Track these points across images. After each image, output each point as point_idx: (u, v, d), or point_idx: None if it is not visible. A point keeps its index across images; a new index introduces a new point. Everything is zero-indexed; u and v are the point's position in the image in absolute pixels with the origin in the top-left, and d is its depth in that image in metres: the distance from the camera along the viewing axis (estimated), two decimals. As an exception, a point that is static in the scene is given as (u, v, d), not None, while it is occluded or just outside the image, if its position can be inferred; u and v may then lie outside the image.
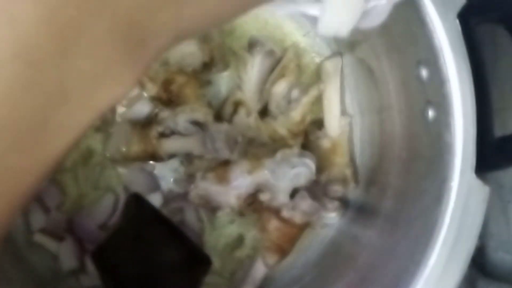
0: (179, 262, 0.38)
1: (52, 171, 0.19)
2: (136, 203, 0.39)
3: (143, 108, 0.45)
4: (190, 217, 0.46)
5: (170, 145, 0.45)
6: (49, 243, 0.45)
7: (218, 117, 0.46)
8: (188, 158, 0.45)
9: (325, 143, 0.47)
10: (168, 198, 0.46)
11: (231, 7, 0.21)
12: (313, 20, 0.46)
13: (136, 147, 0.45)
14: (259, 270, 0.46)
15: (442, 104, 0.33)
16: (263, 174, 0.43)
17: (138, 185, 0.46)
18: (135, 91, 0.45)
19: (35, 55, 0.17)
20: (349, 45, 0.46)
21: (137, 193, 0.41)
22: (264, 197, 0.44)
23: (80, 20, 0.17)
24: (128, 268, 0.37)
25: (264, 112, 0.47)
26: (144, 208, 0.39)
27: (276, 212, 0.44)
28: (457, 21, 0.32)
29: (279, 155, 0.43)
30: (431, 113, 0.35)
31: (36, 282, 0.43)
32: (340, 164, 0.47)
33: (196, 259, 0.39)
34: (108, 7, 0.18)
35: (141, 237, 0.38)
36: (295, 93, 0.47)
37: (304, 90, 0.47)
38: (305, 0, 0.27)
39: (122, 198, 0.46)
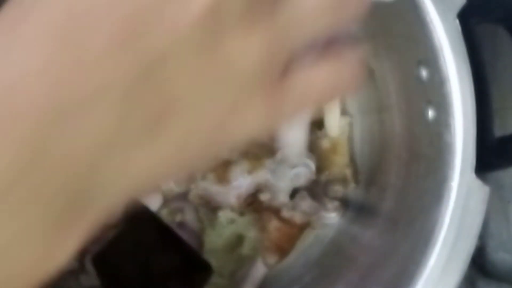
0: (179, 268, 0.38)
1: None
2: (136, 210, 0.39)
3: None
4: (190, 217, 0.46)
5: (170, 145, 0.45)
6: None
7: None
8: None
9: (325, 143, 0.47)
10: (168, 198, 0.46)
11: (191, 155, 0.17)
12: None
13: (136, 147, 0.45)
14: (259, 270, 0.46)
15: (442, 104, 0.33)
16: (263, 174, 0.43)
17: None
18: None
19: None
20: (349, 45, 0.46)
21: (137, 199, 0.41)
22: (264, 197, 0.44)
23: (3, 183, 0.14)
24: (128, 273, 0.37)
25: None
26: (144, 214, 0.39)
27: (276, 212, 0.44)
28: (457, 21, 0.32)
29: (279, 155, 0.43)
30: (431, 113, 0.35)
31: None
32: (340, 164, 0.47)
33: (195, 266, 0.39)
34: (37, 164, 0.14)
35: (140, 243, 0.38)
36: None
37: (304, 90, 0.47)
38: None
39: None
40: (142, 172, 0.16)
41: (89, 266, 0.44)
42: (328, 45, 0.18)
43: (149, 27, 0.15)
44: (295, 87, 0.17)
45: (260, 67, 0.16)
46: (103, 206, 0.16)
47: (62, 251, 0.16)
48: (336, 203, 0.45)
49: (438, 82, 0.33)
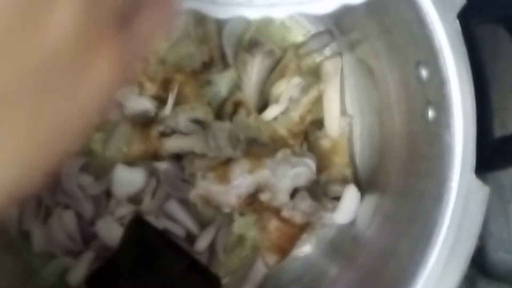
0: (186, 284, 0.37)
1: None
2: (138, 226, 0.38)
3: (142, 108, 0.45)
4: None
5: (172, 144, 0.45)
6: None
7: (219, 117, 0.46)
8: (189, 157, 0.45)
9: (325, 143, 0.47)
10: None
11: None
12: (312, 19, 0.46)
13: (137, 147, 0.45)
14: (259, 270, 0.46)
15: (442, 104, 0.33)
16: (264, 174, 0.43)
17: (139, 184, 0.46)
18: (135, 90, 0.45)
19: None
20: (349, 45, 0.46)
21: (139, 216, 0.40)
22: (264, 197, 0.44)
23: None
24: None
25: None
26: (147, 230, 0.38)
27: (276, 212, 0.44)
28: (457, 21, 0.32)
29: (279, 155, 0.43)
30: (431, 113, 0.35)
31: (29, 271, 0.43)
32: (340, 164, 0.47)
33: (204, 280, 0.37)
34: None
35: (143, 261, 0.36)
36: (295, 93, 0.47)
37: (304, 90, 0.47)
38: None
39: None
40: None
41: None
42: None
43: None
44: (131, 34, 0.18)
45: (82, 26, 0.16)
46: None
47: None
48: (336, 203, 0.45)
49: (438, 82, 0.33)
